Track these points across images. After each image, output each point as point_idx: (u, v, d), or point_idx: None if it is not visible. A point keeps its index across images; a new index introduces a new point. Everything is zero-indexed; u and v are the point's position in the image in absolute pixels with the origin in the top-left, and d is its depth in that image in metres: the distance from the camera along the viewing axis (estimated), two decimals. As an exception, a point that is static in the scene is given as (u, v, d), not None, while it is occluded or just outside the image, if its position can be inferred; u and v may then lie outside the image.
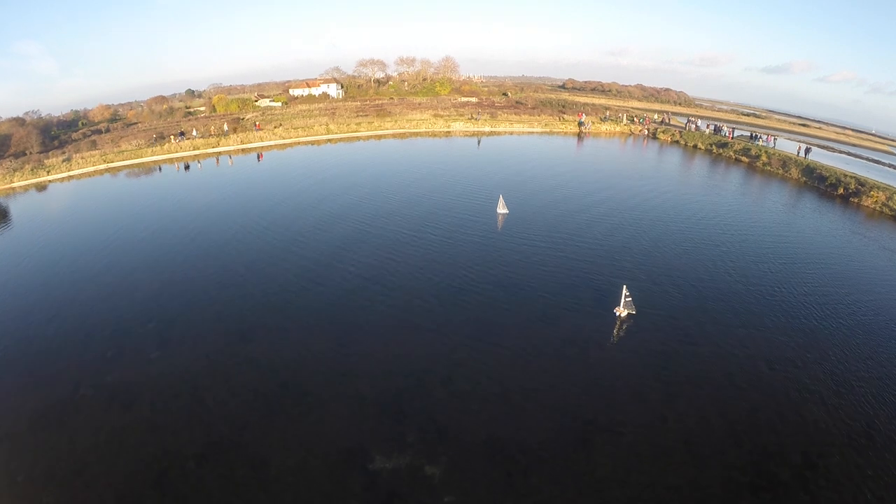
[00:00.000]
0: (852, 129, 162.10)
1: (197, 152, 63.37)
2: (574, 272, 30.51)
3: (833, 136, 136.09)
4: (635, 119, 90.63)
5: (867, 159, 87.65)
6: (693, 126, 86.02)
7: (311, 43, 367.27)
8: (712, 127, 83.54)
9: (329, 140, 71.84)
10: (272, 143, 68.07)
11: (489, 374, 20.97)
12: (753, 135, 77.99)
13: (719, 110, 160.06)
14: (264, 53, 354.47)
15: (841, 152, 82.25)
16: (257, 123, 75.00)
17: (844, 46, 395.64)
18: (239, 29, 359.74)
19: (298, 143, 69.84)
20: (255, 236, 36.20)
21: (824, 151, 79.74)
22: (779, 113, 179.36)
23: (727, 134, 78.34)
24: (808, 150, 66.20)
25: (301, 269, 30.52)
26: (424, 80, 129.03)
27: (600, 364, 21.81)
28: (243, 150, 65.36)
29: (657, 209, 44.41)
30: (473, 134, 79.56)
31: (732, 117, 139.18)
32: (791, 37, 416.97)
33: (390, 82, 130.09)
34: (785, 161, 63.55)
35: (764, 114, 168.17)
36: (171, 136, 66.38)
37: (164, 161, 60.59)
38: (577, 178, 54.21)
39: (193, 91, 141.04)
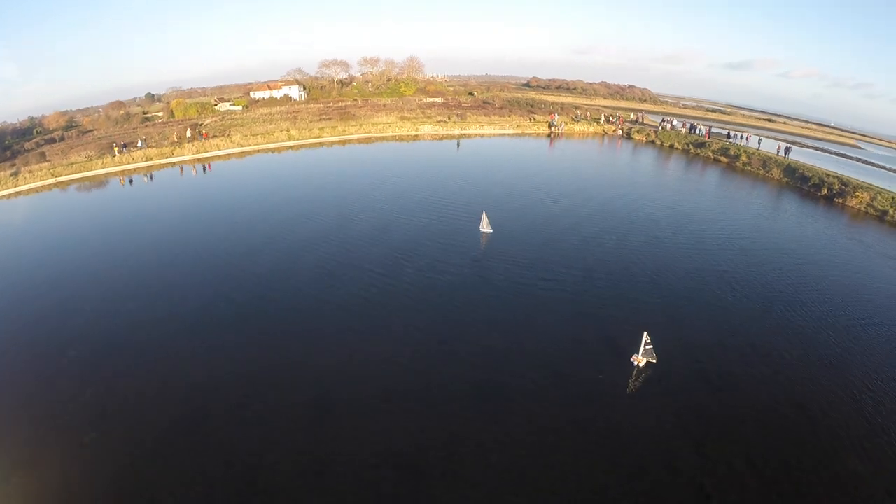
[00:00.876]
0: (815, 123, 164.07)
1: (150, 163, 57.93)
2: (576, 309, 26.42)
3: (799, 131, 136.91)
4: (611, 119, 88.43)
5: (835, 154, 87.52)
6: (668, 125, 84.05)
7: (273, 43, 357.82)
8: (688, 126, 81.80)
9: (290, 147, 67.34)
10: (230, 151, 63.19)
11: (496, 456, 16.93)
12: (730, 134, 76.48)
13: (684, 107, 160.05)
14: (227, 55, 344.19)
15: (811, 147, 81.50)
16: (204, 132, 68.74)
17: (806, 43, 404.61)
18: (201, 30, 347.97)
19: (258, 150, 65.06)
20: (164, 299, 27.14)
21: (796, 147, 79.07)
22: (743, 108, 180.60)
23: (704, 133, 76.58)
24: (787, 150, 64.64)
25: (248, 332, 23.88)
26: (389, 80, 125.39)
27: (624, 429, 18.20)
28: (199, 159, 60.29)
29: (652, 224, 40.61)
30: (443, 137, 75.99)
31: (699, 114, 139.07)
32: (754, 33, 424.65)
33: (354, 83, 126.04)
34: (765, 161, 62.03)
35: (729, 109, 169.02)
36: (115, 147, 59.90)
37: (115, 173, 55.17)
38: (561, 187, 50.61)
39: (154, 95, 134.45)
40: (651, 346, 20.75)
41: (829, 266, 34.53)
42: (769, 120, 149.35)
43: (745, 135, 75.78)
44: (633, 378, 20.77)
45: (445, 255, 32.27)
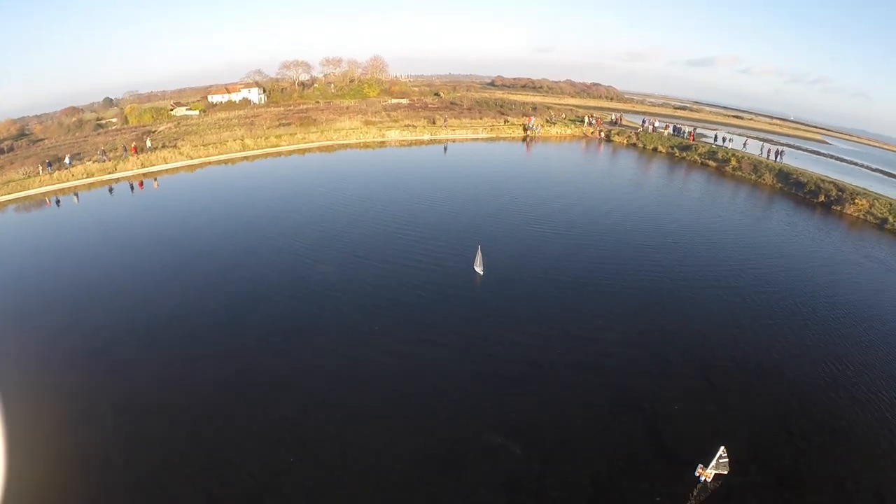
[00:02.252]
0: (779, 119, 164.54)
1: (91, 180, 51.48)
2: (606, 392, 20.32)
3: (767, 127, 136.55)
4: (598, 120, 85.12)
5: (807, 150, 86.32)
6: (650, 127, 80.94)
7: (235, 43, 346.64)
8: (671, 128, 78.64)
9: (245, 158, 61.25)
10: (178, 164, 56.89)
11: None
12: (717, 136, 73.72)
13: (651, 104, 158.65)
14: (188, 56, 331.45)
15: (781, 144, 79.50)
16: (132, 145, 59.60)
17: (766, 39, 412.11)
18: (161, 30, 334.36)
19: (209, 162, 58.88)
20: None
21: (767, 145, 77.26)
22: (709, 105, 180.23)
23: (688, 135, 73.56)
24: (779, 153, 61.88)
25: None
26: (352, 81, 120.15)
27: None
28: (144, 174, 53.79)
29: (671, 256, 34.52)
30: (411, 143, 71.28)
31: (668, 111, 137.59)
32: (715, 31, 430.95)
33: (316, 85, 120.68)
34: (756, 165, 59.21)
35: (695, 106, 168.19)
36: (40, 166, 52.10)
37: (54, 192, 48.13)
38: (558, 203, 44.99)
39: (112, 100, 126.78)
40: (726, 459, 15.74)
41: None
42: (737, 116, 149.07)
43: (728, 136, 73.19)
44: (697, 494, 15.84)
45: (434, 316, 25.58)
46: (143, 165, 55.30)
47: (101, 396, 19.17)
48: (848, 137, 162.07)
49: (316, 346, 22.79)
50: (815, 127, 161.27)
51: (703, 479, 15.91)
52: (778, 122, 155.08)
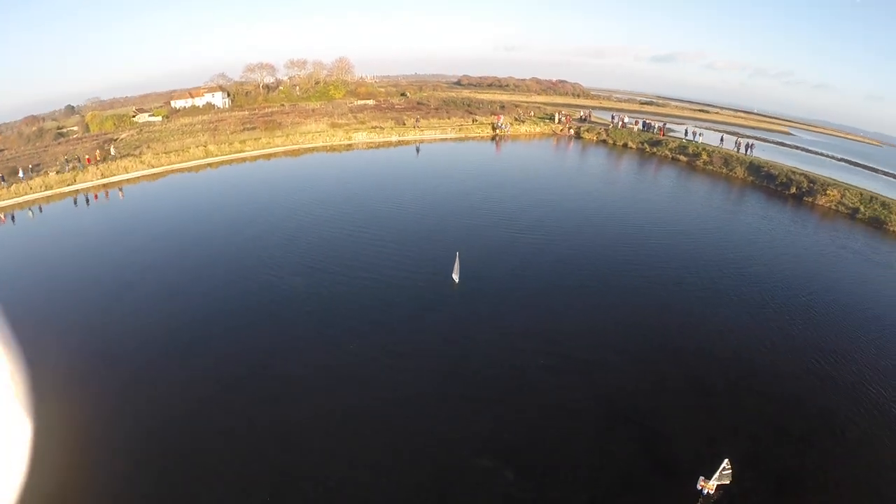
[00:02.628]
0: (744, 112, 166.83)
1: (49, 193, 48.76)
2: (602, 403, 19.33)
3: (733, 120, 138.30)
4: (567, 117, 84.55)
5: (774, 142, 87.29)
6: (620, 123, 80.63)
7: (198, 46, 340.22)
8: (641, 123, 78.64)
9: (209, 165, 58.98)
10: (139, 173, 54.49)
11: None
12: (688, 131, 73.15)
13: (617, 100, 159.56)
14: (148, 61, 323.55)
15: (748, 136, 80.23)
16: (87, 157, 57.03)
17: (730, 34, 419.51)
18: (122, 35, 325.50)
19: (171, 171, 56.46)
20: None
21: (734, 138, 77.98)
22: (674, 100, 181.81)
23: (658, 130, 73.66)
24: (749, 147, 62.31)
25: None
26: (317, 83, 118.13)
27: None
28: (105, 185, 51.36)
29: (663, 259, 33.37)
30: (379, 145, 69.72)
31: (634, 107, 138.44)
32: (679, 26, 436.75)
33: (281, 87, 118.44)
34: (727, 159, 59.32)
35: (661, 101, 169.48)
36: None
37: (9, 207, 44.89)
38: (536, 206, 43.23)
39: (74, 107, 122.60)
40: (729, 470, 14.99)
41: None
42: (702, 110, 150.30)
43: (699, 131, 73.33)
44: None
45: (406, 328, 24.54)
46: (103, 175, 53.18)
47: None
48: (811, 128, 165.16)
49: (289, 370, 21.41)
50: (779, 119, 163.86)
51: (705, 491, 15.19)
52: (743, 114, 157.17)
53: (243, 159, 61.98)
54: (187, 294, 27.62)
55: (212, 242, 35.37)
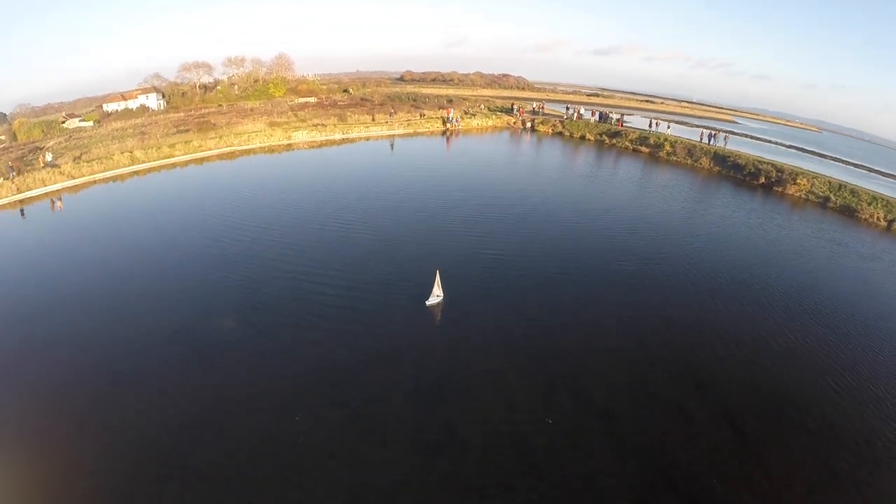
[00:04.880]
0: (687, 102, 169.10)
1: None
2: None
3: (679, 110, 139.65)
4: (520, 110, 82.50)
5: (724, 132, 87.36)
6: (575, 114, 78.75)
7: (132, 46, 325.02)
8: (598, 115, 76.61)
9: (135, 172, 52.82)
10: (59, 185, 47.38)
11: None
12: (652, 122, 71.90)
13: (563, 92, 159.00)
14: (82, 64, 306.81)
15: (696, 126, 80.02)
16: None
17: (671, 27, 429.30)
18: (54, 38, 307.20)
19: (94, 181, 50.00)
20: None
21: (682, 127, 77.78)
22: (620, 91, 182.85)
23: (616, 122, 71.85)
24: (712, 136, 61.37)
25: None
26: (256, 81, 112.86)
27: None
28: (22, 201, 44.36)
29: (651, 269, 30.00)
30: (321, 144, 65.08)
31: (580, 98, 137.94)
32: (621, 21, 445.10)
33: (218, 87, 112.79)
34: (691, 149, 58.04)
35: (606, 93, 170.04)
36: None
37: None
38: (509, 211, 39.15)
39: (6, 115, 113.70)
40: None
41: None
42: (648, 101, 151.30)
43: (658, 122, 72.14)
44: None
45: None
46: (19, 191, 47.77)
47: None
48: (753, 116, 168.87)
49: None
50: (723, 108, 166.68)
51: None
52: (687, 104, 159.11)
53: (174, 165, 56.39)
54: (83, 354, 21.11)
55: (122, 274, 27.84)
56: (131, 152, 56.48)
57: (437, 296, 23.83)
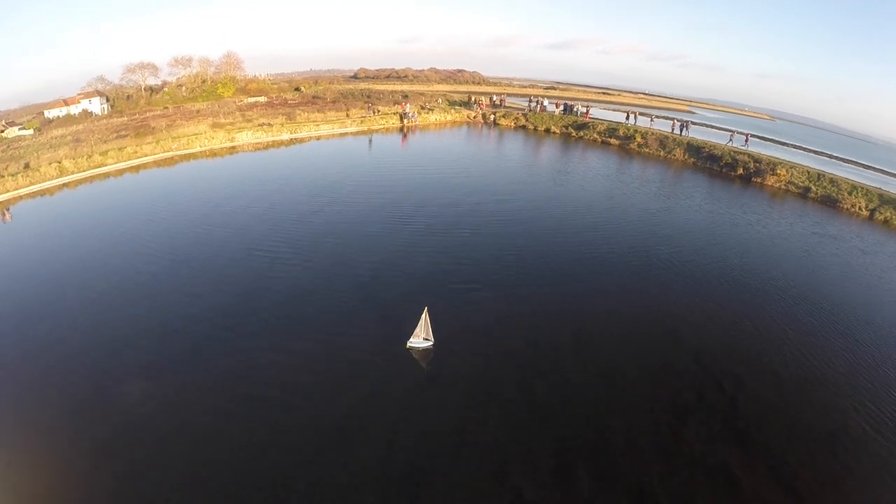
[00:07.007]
0: (643, 93, 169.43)
1: None
2: None
3: (636, 101, 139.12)
4: (480, 103, 79.80)
5: (687, 122, 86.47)
6: (539, 107, 76.29)
7: (74, 49, 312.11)
8: (563, 106, 74.50)
9: (64, 185, 47.49)
10: None
11: None
12: (629, 115, 69.61)
13: (520, 86, 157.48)
14: (26, 68, 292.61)
15: (658, 117, 78.68)
16: None
17: (625, 20, 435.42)
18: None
19: (20, 196, 43.97)
20: None
21: (643, 118, 76.26)
22: (576, 84, 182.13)
23: (583, 114, 69.65)
24: (684, 127, 59.72)
25: None
26: (204, 82, 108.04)
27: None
28: None
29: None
30: (268, 145, 60.75)
31: (538, 91, 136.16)
32: (576, 14, 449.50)
33: (165, 89, 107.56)
34: (663, 141, 56.31)
35: (562, 86, 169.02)
36: None
37: None
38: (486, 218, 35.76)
39: None
40: None
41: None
42: (605, 93, 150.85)
43: (636, 115, 70.34)
44: None
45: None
46: (-60, 204, 42.93)
47: None
48: (708, 106, 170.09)
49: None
50: (678, 99, 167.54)
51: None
52: (644, 95, 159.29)
53: (106, 174, 51.27)
54: None
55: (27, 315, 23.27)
56: (59, 162, 51.65)
57: (424, 339, 19.51)
